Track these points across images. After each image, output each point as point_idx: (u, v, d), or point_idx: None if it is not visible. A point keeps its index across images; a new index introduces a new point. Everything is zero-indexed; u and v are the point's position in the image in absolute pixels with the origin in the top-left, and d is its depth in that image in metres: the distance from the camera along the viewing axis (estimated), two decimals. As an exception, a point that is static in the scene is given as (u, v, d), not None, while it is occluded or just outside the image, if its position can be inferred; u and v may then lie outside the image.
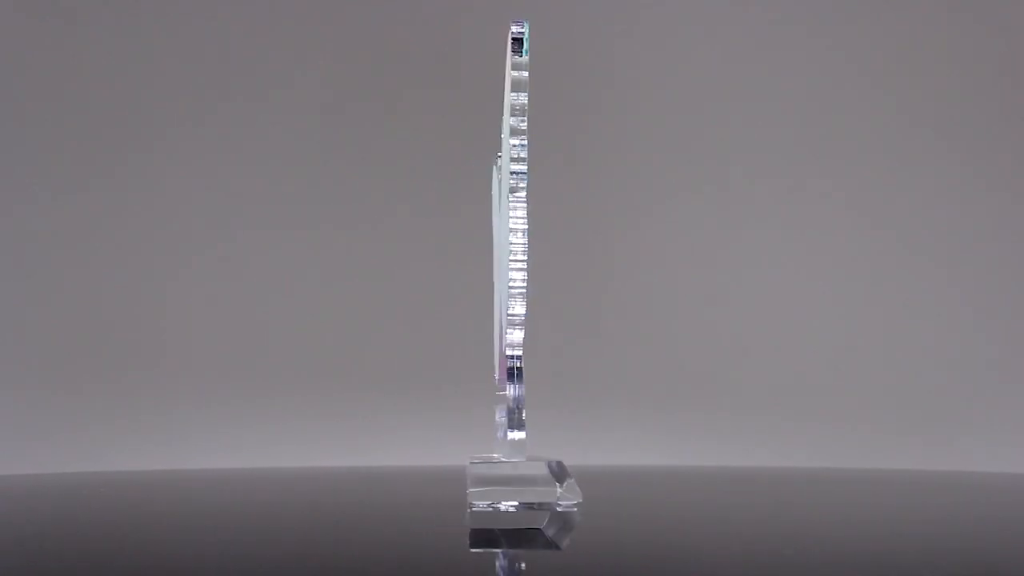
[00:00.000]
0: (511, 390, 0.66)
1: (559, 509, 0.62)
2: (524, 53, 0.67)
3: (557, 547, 0.55)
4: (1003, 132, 1.55)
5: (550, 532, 0.58)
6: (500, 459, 0.66)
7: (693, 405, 1.48)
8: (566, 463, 0.66)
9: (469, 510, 0.62)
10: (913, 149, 1.55)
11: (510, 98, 0.67)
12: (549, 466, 0.65)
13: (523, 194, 0.68)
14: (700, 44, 1.55)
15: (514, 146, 0.67)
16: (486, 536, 0.59)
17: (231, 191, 1.46)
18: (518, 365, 0.67)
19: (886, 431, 1.48)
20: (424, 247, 1.48)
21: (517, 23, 0.67)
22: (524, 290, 0.68)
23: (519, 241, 0.67)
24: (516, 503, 0.63)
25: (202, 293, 1.44)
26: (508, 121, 0.67)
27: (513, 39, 0.67)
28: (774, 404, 1.49)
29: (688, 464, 1.31)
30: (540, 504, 0.63)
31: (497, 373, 0.70)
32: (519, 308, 0.68)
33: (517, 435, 0.65)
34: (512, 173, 0.67)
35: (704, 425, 1.47)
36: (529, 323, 0.69)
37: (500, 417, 0.68)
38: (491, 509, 0.62)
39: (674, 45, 1.55)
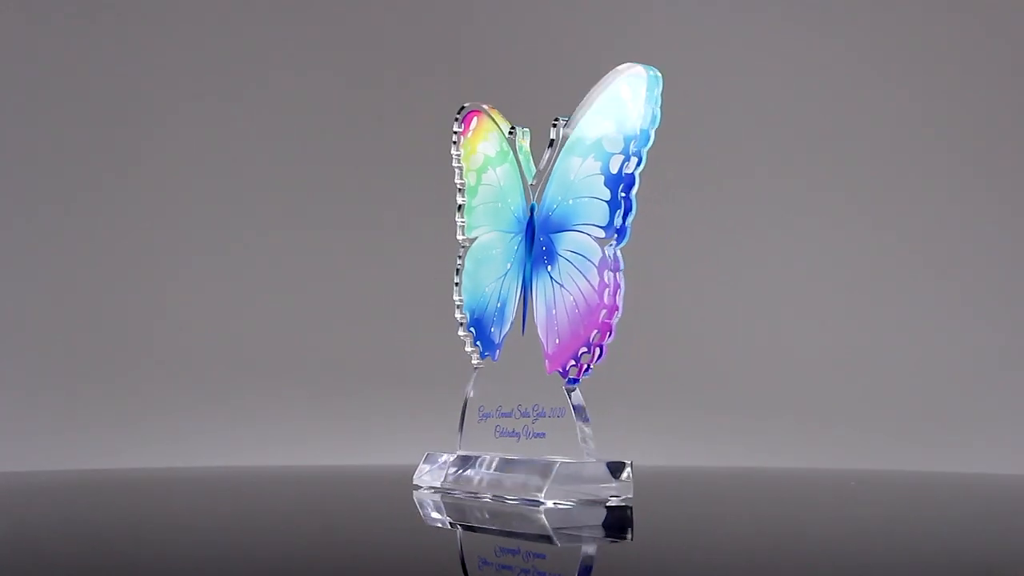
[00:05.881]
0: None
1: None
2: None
3: None
4: (1004, 131, 1.55)
5: None
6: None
7: (691, 405, 1.47)
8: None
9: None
10: (914, 148, 1.55)
11: None
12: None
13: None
14: (705, 44, 1.55)
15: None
16: None
17: (230, 192, 1.46)
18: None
19: (887, 432, 1.48)
20: (424, 246, 1.47)
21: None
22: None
23: None
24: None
25: (199, 293, 1.44)
26: None
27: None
28: (774, 405, 1.49)
29: (687, 464, 1.30)
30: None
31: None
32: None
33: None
34: None
35: (702, 425, 1.47)
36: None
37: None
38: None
39: (677, 45, 1.55)
